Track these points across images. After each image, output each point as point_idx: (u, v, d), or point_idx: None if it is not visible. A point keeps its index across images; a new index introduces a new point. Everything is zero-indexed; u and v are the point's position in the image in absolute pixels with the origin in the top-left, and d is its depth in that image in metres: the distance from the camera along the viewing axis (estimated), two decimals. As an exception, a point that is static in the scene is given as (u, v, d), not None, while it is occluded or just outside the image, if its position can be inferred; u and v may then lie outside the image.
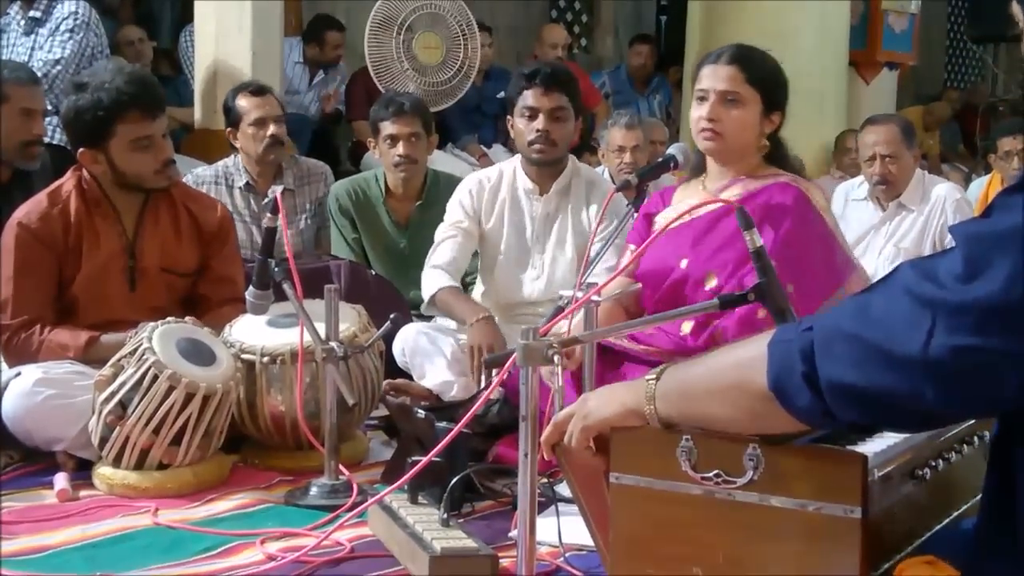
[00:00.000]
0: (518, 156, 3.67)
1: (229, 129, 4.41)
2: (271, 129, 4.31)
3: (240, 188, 4.40)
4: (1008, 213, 1.21)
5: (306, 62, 6.94)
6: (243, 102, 4.35)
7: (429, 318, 3.79)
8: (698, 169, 3.03)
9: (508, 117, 3.62)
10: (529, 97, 3.48)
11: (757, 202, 2.84)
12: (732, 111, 2.85)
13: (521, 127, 3.52)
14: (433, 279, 3.52)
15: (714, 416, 1.48)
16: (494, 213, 3.64)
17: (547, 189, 3.60)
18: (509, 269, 3.66)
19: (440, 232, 3.64)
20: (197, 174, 4.40)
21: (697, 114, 2.88)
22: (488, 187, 3.66)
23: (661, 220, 3.00)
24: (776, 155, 2.99)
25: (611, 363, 2.82)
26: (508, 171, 3.67)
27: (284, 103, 5.01)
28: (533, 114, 3.48)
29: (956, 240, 1.25)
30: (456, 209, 3.64)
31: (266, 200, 4.34)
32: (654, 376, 1.56)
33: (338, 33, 7.00)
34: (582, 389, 2.46)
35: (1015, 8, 1.37)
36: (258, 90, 4.39)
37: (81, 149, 3.10)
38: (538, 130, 3.46)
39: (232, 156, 4.46)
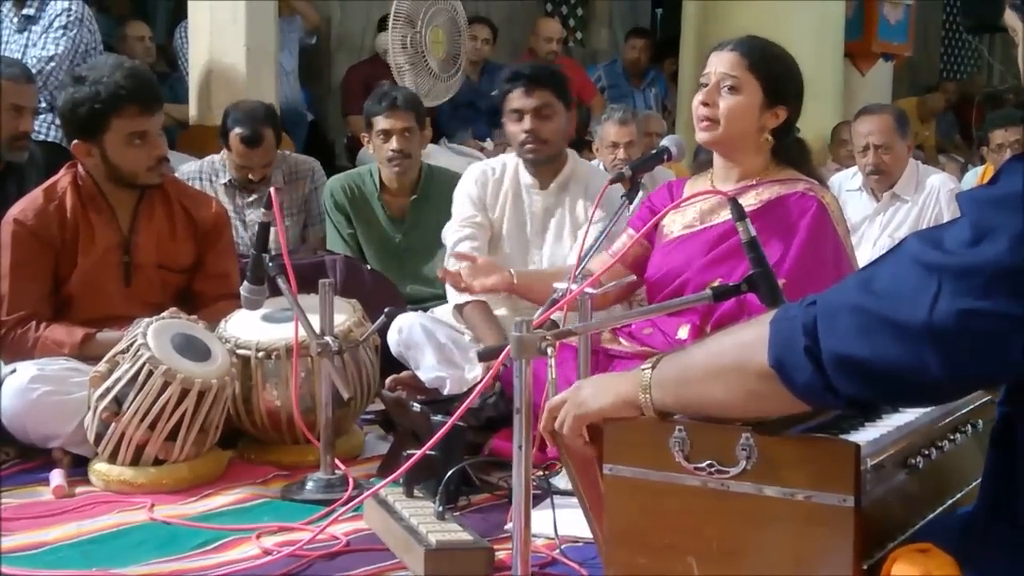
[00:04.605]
0: None
1: (221, 140, 4.45)
2: (252, 176, 4.41)
3: (223, 184, 4.46)
4: (1015, 178, 1.21)
5: None
6: (233, 138, 4.36)
7: (425, 310, 3.79)
8: (704, 164, 2.97)
9: (503, 120, 3.63)
10: (514, 99, 3.50)
11: (773, 216, 2.76)
12: (729, 97, 2.75)
13: (512, 129, 3.54)
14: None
15: (712, 399, 1.47)
16: (498, 205, 3.63)
17: (547, 184, 3.60)
18: (512, 263, 3.59)
19: (453, 230, 3.59)
20: (183, 170, 4.45)
21: (695, 101, 2.81)
22: (492, 179, 3.65)
23: (667, 222, 2.95)
24: (792, 156, 2.88)
25: (603, 364, 2.81)
26: (511, 165, 3.66)
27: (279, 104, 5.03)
28: (519, 116, 3.49)
29: (962, 207, 1.24)
30: (465, 203, 3.63)
31: (253, 196, 4.43)
32: (649, 365, 1.56)
33: None
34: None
35: (1009, 16, 1.36)
36: (251, 141, 4.35)
37: (76, 141, 3.11)
38: (525, 131, 3.47)
39: (220, 152, 4.52)
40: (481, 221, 3.60)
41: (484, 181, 3.63)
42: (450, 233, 3.62)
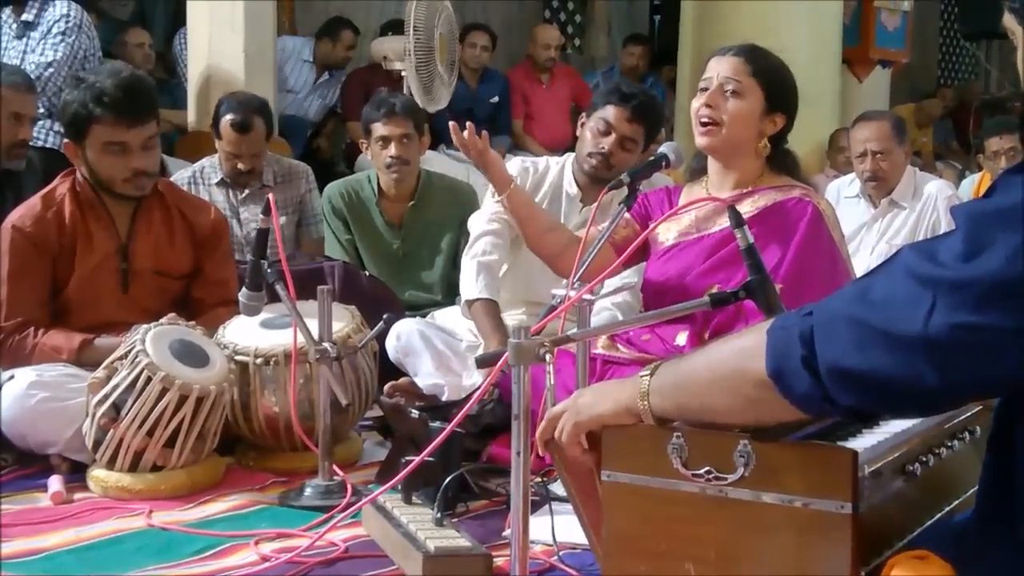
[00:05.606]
0: (569, 156, 3.60)
1: (213, 130, 4.47)
2: (240, 165, 4.40)
3: (215, 184, 4.47)
4: (1010, 192, 1.21)
5: (314, 61, 6.98)
6: (224, 124, 4.37)
7: (423, 317, 3.78)
8: (699, 171, 2.97)
9: (582, 115, 3.55)
10: (611, 114, 3.39)
11: (771, 222, 2.77)
12: (732, 101, 2.76)
13: (588, 136, 3.43)
14: (473, 283, 3.37)
15: (711, 406, 1.48)
16: None
17: (590, 201, 3.44)
18: (532, 266, 3.43)
19: (478, 222, 3.48)
20: (175, 178, 4.45)
21: (696, 104, 2.80)
22: (532, 176, 3.56)
23: (662, 229, 2.95)
24: (785, 164, 2.90)
25: (600, 372, 2.81)
26: (555, 168, 3.58)
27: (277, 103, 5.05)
28: (606, 131, 3.39)
29: (957, 220, 1.24)
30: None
31: (246, 192, 4.43)
32: (648, 372, 1.56)
33: (353, 35, 7.05)
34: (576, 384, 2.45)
35: (1008, 20, 1.37)
36: (241, 127, 4.36)
37: (66, 141, 3.16)
38: (602, 148, 3.39)
39: (211, 156, 4.54)
40: (509, 218, 3.36)
41: (523, 178, 3.51)
42: (475, 223, 3.50)
